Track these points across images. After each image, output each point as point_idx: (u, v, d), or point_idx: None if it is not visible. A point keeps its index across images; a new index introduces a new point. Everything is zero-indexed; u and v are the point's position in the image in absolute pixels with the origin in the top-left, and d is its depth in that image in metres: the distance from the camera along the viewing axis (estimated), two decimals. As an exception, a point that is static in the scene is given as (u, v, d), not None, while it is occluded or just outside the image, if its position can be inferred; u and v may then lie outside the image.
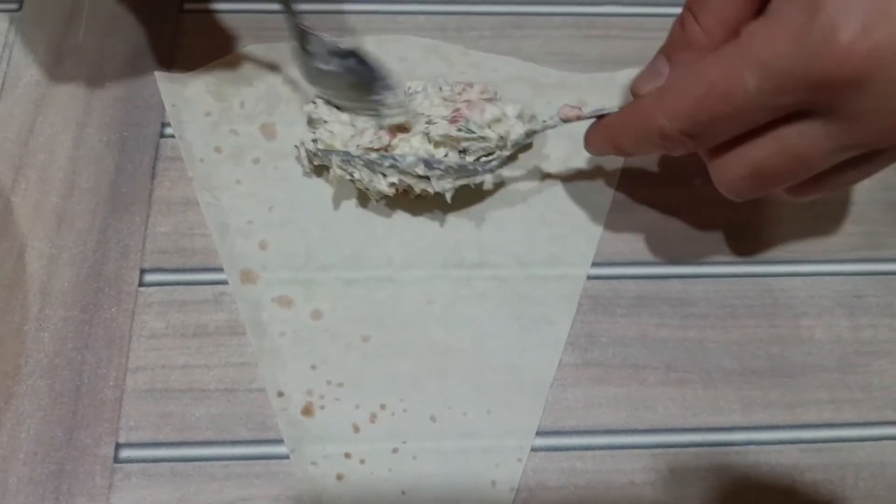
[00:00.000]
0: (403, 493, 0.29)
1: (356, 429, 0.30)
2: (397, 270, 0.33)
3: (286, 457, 0.29)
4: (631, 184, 0.36)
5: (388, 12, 0.40)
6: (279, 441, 0.30)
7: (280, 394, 0.30)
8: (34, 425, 0.29)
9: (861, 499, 0.30)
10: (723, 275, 0.34)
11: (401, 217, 0.34)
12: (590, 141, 0.31)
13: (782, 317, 0.33)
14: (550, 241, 0.34)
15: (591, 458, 0.30)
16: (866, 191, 0.36)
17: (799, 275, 0.34)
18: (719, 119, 0.26)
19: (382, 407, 0.30)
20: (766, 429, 0.31)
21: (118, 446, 0.29)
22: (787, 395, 0.32)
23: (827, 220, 0.36)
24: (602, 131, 0.31)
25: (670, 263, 0.34)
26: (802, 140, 0.25)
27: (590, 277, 0.33)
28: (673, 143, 0.27)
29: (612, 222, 0.35)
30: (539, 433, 0.30)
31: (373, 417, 0.30)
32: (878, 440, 0.31)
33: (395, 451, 0.30)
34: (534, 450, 0.30)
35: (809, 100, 0.24)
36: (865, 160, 0.27)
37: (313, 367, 0.31)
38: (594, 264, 0.34)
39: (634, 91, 0.30)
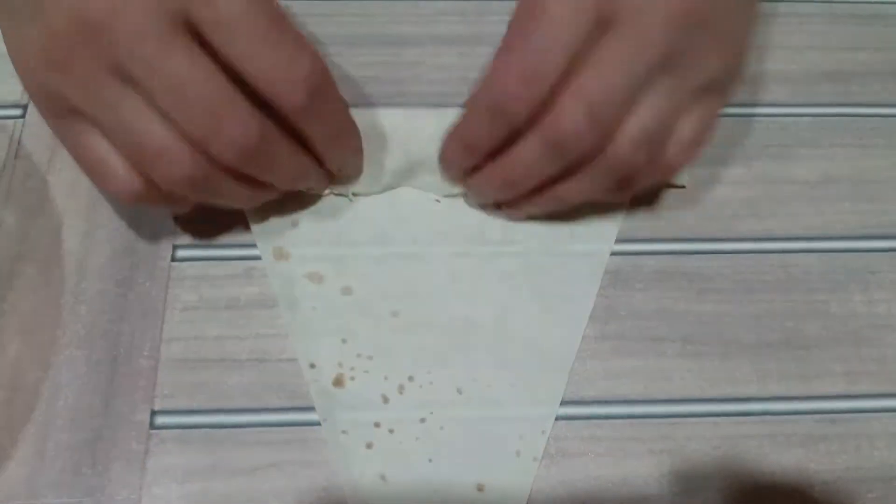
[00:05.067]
0: (430, 461, 0.30)
1: (385, 399, 0.31)
2: (423, 248, 0.34)
3: (315, 424, 0.30)
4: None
5: (410, -1, 0.41)
6: (308, 409, 0.30)
7: (312, 365, 0.31)
8: (72, 393, 0.30)
9: (876, 468, 0.31)
10: (739, 251, 0.35)
11: (425, 197, 0.35)
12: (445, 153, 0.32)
13: (797, 291, 0.34)
14: (573, 217, 0.35)
15: (610, 427, 0.31)
16: (881, 169, 0.37)
17: (813, 251, 0.35)
18: (546, 56, 0.27)
19: (410, 379, 0.31)
20: (782, 399, 0.32)
21: (153, 413, 0.30)
22: (803, 367, 0.32)
23: (841, 197, 0.36)
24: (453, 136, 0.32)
25: (688, 240, 0.35)
26: (610, 52, 0.27)
27: (610, 254, 0.34)
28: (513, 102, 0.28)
29: (631, 201, 0.35)
30: (560, 402, 0.31)
31: (401, 389, 0.31)
32: (892, 411, 0.32)
33: (422, 420, 0.31)
34: (556, 418, 0.31)
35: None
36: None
37: (344, 341, 0.32)
38: (614, 241, 0.34)
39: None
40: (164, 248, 0.33)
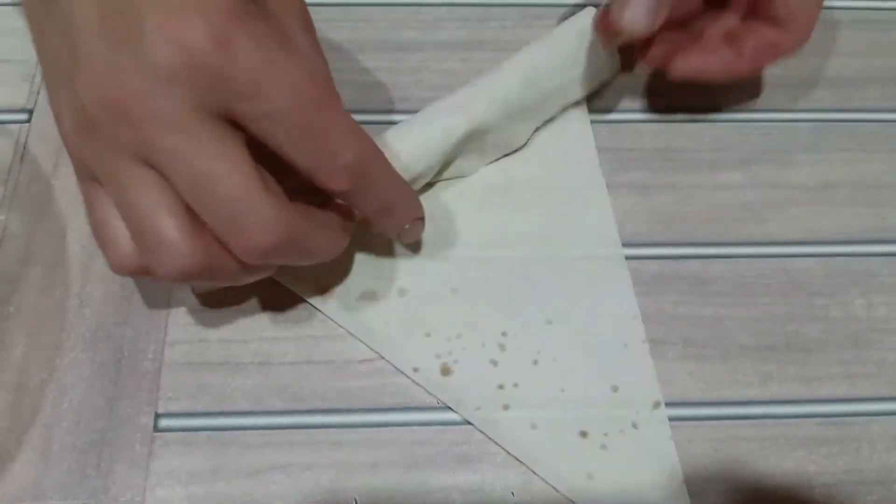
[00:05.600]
0: (563, 390, 0.31)
1: (494, 363, 0.32)
2: (442, 225, 0.35)
3: (319, 426, 0.30)
4: (648, 168, 0.37)
5: (412, 4, 0.41)
6: (312, 411, 0.31)
7: (415, 370, 0.32)
8: (76, 396, 0.31)
9: (876, 471, 0.31)
10: (739, 255, 0.35)
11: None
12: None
13: (797, 295, 0.34)
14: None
15: (611, 430, 0.31)
16: (880, 174, 0.37)
17: (814, 255, 0.35)
18: None
19: (504, 334, 0.32)
20: (783, 402, 0.32)
21: (157, 416, 0.30)
22: (803, 370, 0.33)
23: (840, 202, 0.37)
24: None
25: (688, 244, 0.35)
26: None
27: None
28: None
29: (632, 205, 0.36)
30: (562, 405, 0.31)
31: (502, 347, 0.32)
32: (892, 414, 0.32)
33: (535, 363, 0.32)
34: (556, 421, 0.31)
35: None
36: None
37: (428, 335, 0.32)
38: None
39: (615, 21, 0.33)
40: (169, 251, 0.33)
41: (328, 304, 0.33)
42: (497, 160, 0.36)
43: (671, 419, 0.31)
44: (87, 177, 0.26)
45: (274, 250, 0.25)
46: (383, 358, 0.32)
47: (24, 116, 0.36)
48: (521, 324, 0.33)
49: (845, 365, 0.33)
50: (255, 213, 0.25)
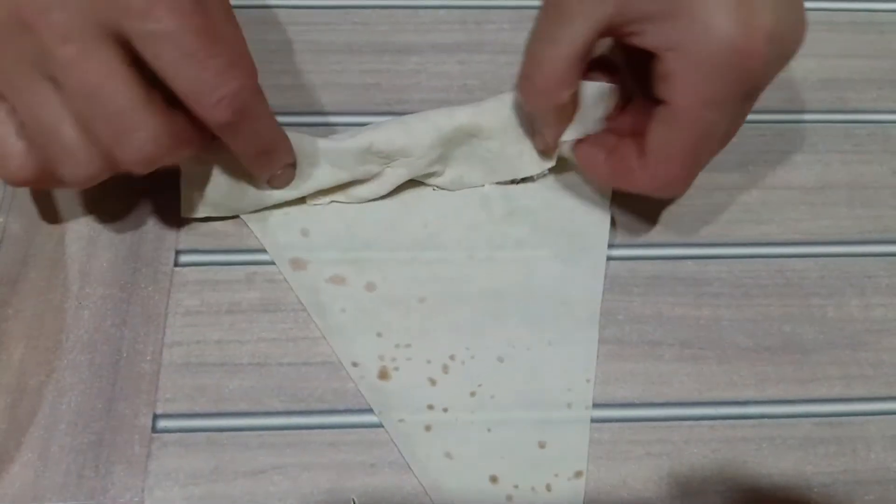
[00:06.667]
0: (489, 430, 0.31)
1: (432, 382, 0.32)
2: (434, 231, 0.35)
3: (317, 427, 0.31)
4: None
5: (410, 7, 0.41)
6: (310, 412, 0.31)
7: (354, 364, 0.32)
8: (75, 397, 0.31)
9: (872, 471, 0.31)
10: (736, 256, 0.35)
11: (421, 186, 0.36)
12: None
13: (794, 296, 0.34)
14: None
15: (608, 431, 0.31)
16: (876, 175, 0.37)
17: (810, 256, 0.35)
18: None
19: (452, 358, 0.32)
20: (779, 403, 0.32)
21: (155, 417, 0.30)
22: (800, 370, 0.33)
23: (837, 203, 0.37)
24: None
25: (685, 245, 0.35)
26: None
27: (607, 258, 0.34)
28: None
29: (629, 205, 0.36)
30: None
31: (445, 369, 0.32)
32: (888, 414, 0.32)
33: (472, 394, 0.31)
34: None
35: None
36: None
37: (379, 335, 0.32)
38: (611, 245, 0.35)
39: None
40: (167, 253, 0.34)
41: (298, 278, 0.33)
42: (504, 184, 0.36)
43: (669, 419, 0.31)
44: None
45: (157, 161, 0.27)
46: (326, 341, 0.32)
47: (23, 119, 0.36)
48: (472, 353, 0.32)
49: (842, 366, 0.33)
50: (137, 127, 0.26)
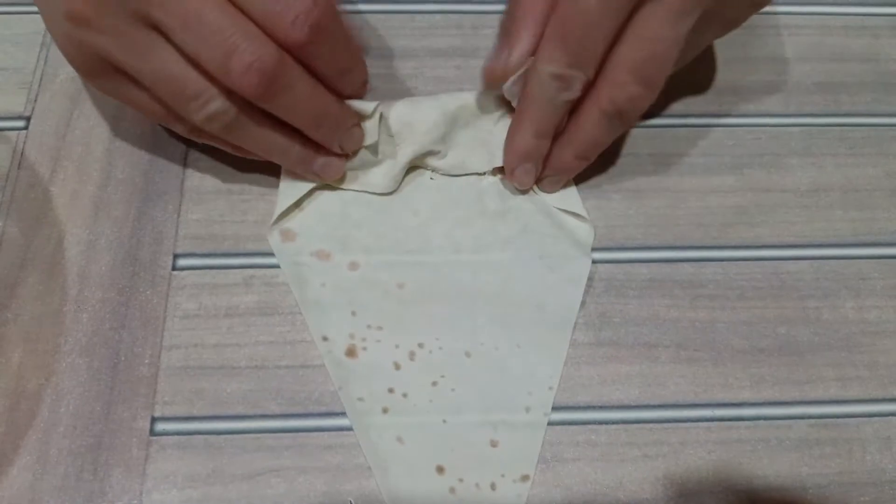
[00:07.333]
0: (444, 421, 0.31)
1: (397, 366, 0.32)
2: (424, 220, 0.35)
3: (315, 429, 0.31)
4: (641, 172, 0.37)
5: (406, 12, 0.41)
6: (307, 415, 0.31)
7: (325, 338, 0.32)
8: (73, 400, 0.31)
9: (868, 472, 0.31)
10: (731, 258, 0.35)
11: (419, 173, 0.36)
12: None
13: (789, 298, 0.34)
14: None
15: (604, 433, 0.31)
16: (871, 178, 0.38)
17: (805, 258, 0.35)
18: (587, 32, 0.29)
19: (420, 346, 0.32)
20: (775, 404, 0.32)
21: (154, 420, 0.31)
22: (795, 372, 0.33)
23: (831, 205, 0.37)
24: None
25: (680, 248, 0.35)
26: (654, 20, 0.29)
27: (603, 261, 0.35)
28: (568, 82, 0.30)
29: (624, 209, 0.36)
30: (555, 408, 0.32)
31: (412, 356, 0.32)
32: (884, 416, 0.32)
33: (434, 384, 0.32)
34: (550, 424, 0.31)
35: None
36: None
37: (353, 314, 0.33)
38: (607, 249, 0.35)
39: (491, 69, 0.33)
40: (165, 257, 0.34)
41: (284, 248, 0.34)
42: (503, 181, 0.36)
43: (665, 421, 0.31)
44: (96, 70, 0.29)
45: (269, 78, 0.27)
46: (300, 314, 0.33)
47: (21, 124, 0.36)
48: (441, 344, 0.32)
49: (837, 367, 0.33)
50: (246, 42, 0.27)
